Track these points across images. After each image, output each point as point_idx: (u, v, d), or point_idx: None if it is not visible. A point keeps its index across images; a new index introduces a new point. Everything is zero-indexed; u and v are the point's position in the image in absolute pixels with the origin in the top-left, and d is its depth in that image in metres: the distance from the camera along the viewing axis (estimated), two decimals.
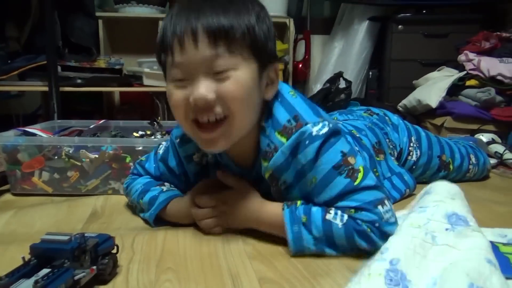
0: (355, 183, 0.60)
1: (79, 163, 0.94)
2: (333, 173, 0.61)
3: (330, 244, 0.60)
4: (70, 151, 0.94)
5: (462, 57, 1.72)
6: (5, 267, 0.48)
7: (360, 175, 0.61)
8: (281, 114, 0.64)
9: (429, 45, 2.09)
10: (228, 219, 0.69)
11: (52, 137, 1.03)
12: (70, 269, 0.47)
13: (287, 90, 0.67)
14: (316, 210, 0.62)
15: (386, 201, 0.61)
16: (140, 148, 0.94)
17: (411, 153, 0.99)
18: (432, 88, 1.69)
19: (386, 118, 1.01)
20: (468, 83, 1.66)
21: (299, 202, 0.64)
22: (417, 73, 1.94)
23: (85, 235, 0.52)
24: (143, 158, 0.84)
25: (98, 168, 0.94)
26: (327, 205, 0.62)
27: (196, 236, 0.69)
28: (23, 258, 0.48)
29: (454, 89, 1.68)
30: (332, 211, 0.61)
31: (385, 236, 0.56)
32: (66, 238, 0.49)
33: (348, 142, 0.65)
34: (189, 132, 0.65)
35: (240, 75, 0.58)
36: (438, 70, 1.86)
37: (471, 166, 1.06)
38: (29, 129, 1.05)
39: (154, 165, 0.80)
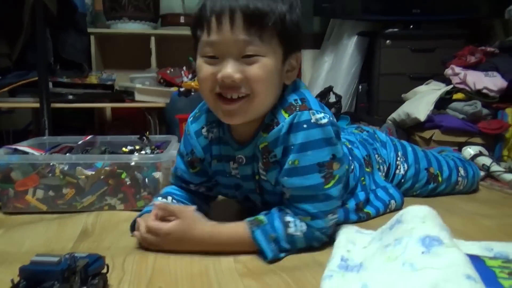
0: (324, 186, 0.67)
1: (75, 180, 0.94)
2: (314, 168, 0.66)
3: (293, 248, 0.68)
4: (65, 168, 0.94)
5: (448, 71, 1.76)
6: None
7: (332, 182, 0.68)
8: (290, 95, 0.70)
9: (417, 60, 2.13)
10: (179, 246, 0.69)
11: (47, 155, 1.03)
12: None
13: (302, 84, 0.75)
14: (278, 225, 0.67)
15: (336, 211, 0.71)
16: (133, 163, 0.95)
17: (398, 167, 1.02)
18: (420, 102, 1.72)
19: (375, 135, 1.05)
20: (455, 96, 1.70)
21: (263, 220, 0.68)
22: (406, 87, 1.97)
23: (75, 255, 0.52)
24: None
25: (94, 185, 0.94)
26: (292, 193, 0.68)
27: (187, 256, 0.68)
28: (12, 280, 0.48)
29: (442, 103, 1.71)
30: (292, 223, 0.67)
31: (329, 237, 0.71)
32: (55, 259, 0.49)
33: (343, 149, 0.71)
34: (211, 104, 0.69)
35: (267, 61, 0.64)
36: (426, 84, 1.90)
37: (460, 178, 1.08)
38: (19, 147, 1.05)
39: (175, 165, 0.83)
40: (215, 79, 0.64)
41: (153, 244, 0.69)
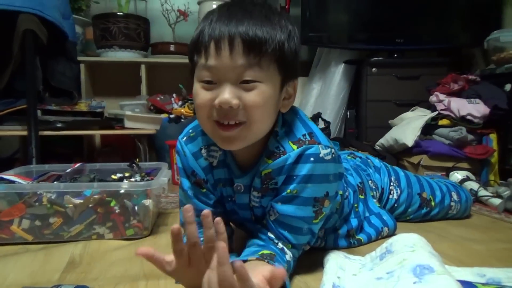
0: (312, 221, 0.69)
1: (62, 209, 0.92)
2: (310, 201, 0.68)
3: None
4: (52, 197, 0.92)
5: (433, 98, 1.81)
6: None
7: (319, 217, 0.70)
8: (298, 130, 0.70)
9: (402, 87, 2.19)
10: None
11: (34, 183, 1.01)
12: None
13: (303, 114, 0.74)
14: (281, 254, 0.67)
15: (310, 243, 0.76)
16: (123, 191, 0.94)
17: (392, 192, 1.03)
18: (407, 128, 1.75)
19: (369, 161, 1.06)
20: (440, 122, 1.74)
21: (271, 252, 0.65)
22: (392, 113, 2.02)
23: (62, 287, 0.51)
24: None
25: (83, 213, 0.93)
26: (279, 218, 0.69)
27: (178, 286, 0.67)
28: None
29: (428, 128, 1.75)
30: (285, 250, 0.68)
31: None
32: None
33: (337, 187, 0.72)
34: (209, 131, 0.68)
35: (264, 88, 0.63)
36: (412, 110, 1.94)
37: (453, 203, 1.09)
38: (5, 175, 1.03)
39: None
40: (213, 105, 0.62)
41: None
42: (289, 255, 0.68)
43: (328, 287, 0.61)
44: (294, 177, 0.66)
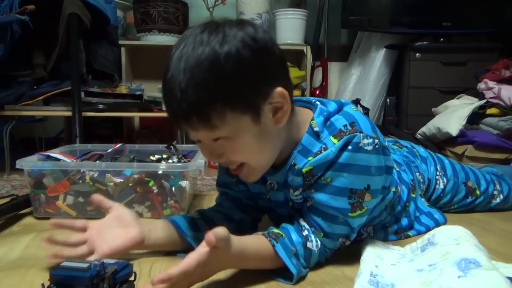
0: (349, 214, 0.65)
1: (104, 187, 0.95)
2: (345, 192, 0.64)
3: (307, 265, 0.66)
4: (95, 175, 0.95)
5: (481, 86, 1.71)
6: None
7: (358, 212, 0.66)
8: (339, 121, 0.66)
9: (448, 73, 2.08)
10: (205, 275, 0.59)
11: (78, 162, 1.05)
12: None
13: (349, 106, 0.70)
14: (296, 239, 0.64)
15: (350, 238, 0.69)
16: (161, 172, 0.95)
17: (438, 182, 0.99)
18: (452, 116, 1.67)
19: (414, 150, 1.01)
20: (488, 111, 1.65)
21: (280, 232, 0.65)
22: (436, 101, 1.93)
23: (104, 262, 0.52)
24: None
25: (123, 192, 0.96)
26: (314, 205, 0.66)
27: None
28: (43, 284, 0.49)
29: (475, 117, 1.66)
30: (310, 237, 0.65)
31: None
32: (85, 265, 0.50)
33: (384, 182, 0.69)
34: None
35: (238, 137, 0.60)
36: (458, 98, 1.85)
37: (496, 192, 1.04)
38: (51, 153, 1.07)
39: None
40: None
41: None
42: (313, 243, 0.65)
43: (366, 275, 0.59)
44: (331, 165, 0.64)
